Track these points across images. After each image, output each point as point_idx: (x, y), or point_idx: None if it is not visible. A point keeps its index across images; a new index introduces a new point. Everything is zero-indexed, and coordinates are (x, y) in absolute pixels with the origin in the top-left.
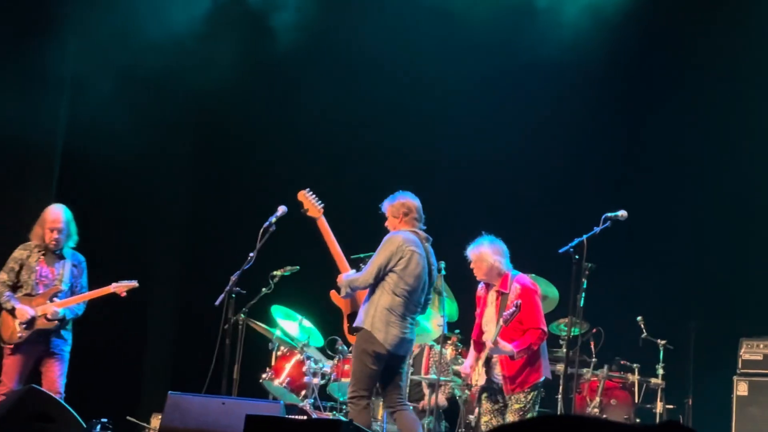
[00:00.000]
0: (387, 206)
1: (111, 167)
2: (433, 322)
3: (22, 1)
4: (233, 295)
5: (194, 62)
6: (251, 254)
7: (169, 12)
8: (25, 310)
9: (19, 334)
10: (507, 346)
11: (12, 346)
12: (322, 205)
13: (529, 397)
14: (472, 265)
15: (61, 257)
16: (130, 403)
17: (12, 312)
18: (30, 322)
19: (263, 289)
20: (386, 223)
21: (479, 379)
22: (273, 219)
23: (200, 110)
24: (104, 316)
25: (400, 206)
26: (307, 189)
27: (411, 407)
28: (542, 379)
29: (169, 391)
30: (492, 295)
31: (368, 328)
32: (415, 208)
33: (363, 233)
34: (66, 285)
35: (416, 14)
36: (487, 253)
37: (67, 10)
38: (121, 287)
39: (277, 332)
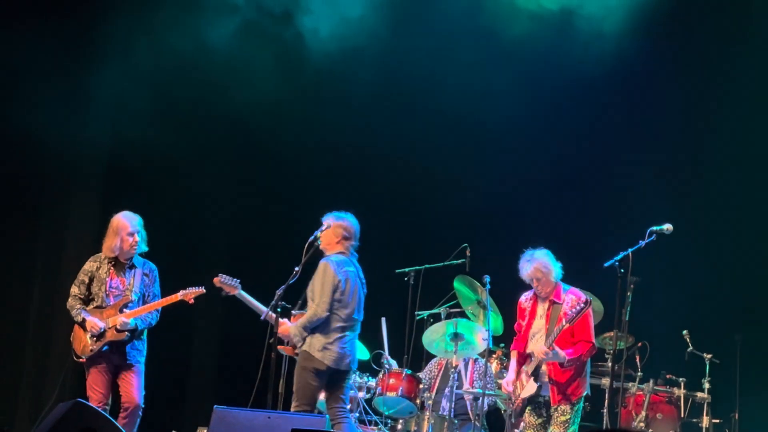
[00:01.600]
0: (332, 222)
1: (154, 181)
2: (478, 335)
3: (68, 25)
4: (279, 309)
5: (231, 77)
6: (296, 269)
7: (204, 30)
8: (94, 322)
9: (90, 347)
10: (561, 352)
11: (85, 360)
12: (238, 281)
13: (574, 409)
14: (536, 282)
15: (132, 267)
16: (176, 417)
17: (83, 325)
18: (100, 335)
19: None
20: (321, 235)
21: (524, 391)
22: (318, 233)
23: (241, 124)
24: (149, 329)
25: (343, 229)
26: (219, 274)
27: (350, 419)
28: (586, 391)
29: (215, 405)
30: (542, 307)
31: (306, 348)
32: (354, 234)
33: (406, 249)
34: (136, 295)
35: (456, 28)
36: (550, 264)
37: (109, 32)
38: (188, 294)
39: None
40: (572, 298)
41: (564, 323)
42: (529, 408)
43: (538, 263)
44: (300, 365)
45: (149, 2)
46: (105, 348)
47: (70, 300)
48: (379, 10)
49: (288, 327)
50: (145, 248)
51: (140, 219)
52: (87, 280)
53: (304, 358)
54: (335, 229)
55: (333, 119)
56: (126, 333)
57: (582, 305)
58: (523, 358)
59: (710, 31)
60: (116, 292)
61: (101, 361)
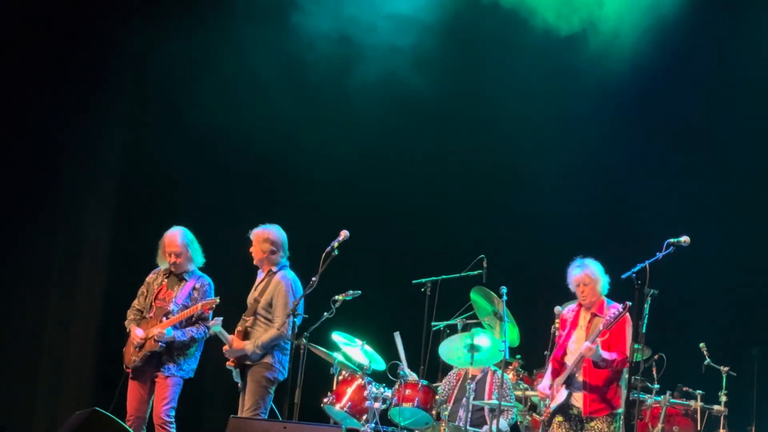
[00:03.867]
0: (267, 235)
1: (167, 196)
2: (495, 347)
3: (83, 43)
4: (297, 321)
5: (241, 90)
6: (313, 279)
7: (211, 46)
8: (135, 333)
9: (133, 358)
10: (600, 351)
11: (131, 371)
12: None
13: (612, 427)
14: (582, 288)
15: (182, 280)
16: (192, 427)
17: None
18: (141, 345)
19: (325, 314)
20: (255, 249)
21: (554, 401)
22: (335, 243)
23: (253, 137)
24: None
25: (273, 242)
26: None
27: None
28: (622, 408)
29: (231, 415)
30: (584, 318)
31: (268, 360)
32: (282, 246)
33: (422, 260)
34: (175, 306)
35: (466, 38)
36: (599, 274)
37: (122, 50)
38: (206, 305)
39: (339, 357)
40: (614, 312)
41: (601, 327)
42: (559, 419)
43: (589, 269)
44: (261, 375)
45: (159, 19)
46: (146, 358)
47: (128, 311)
48: (380, 10)
49: (242, 344)
50: (200, 261)
51: (185, 236)
52: (145, 292)
53: (266, 368)
54: (271, 244)
55: (346, 131)
56: (160, 344)
57: (620, 310)
58: (560, 366)
59: (726, 41)
60: (161, 304)
61: (141, 374)
